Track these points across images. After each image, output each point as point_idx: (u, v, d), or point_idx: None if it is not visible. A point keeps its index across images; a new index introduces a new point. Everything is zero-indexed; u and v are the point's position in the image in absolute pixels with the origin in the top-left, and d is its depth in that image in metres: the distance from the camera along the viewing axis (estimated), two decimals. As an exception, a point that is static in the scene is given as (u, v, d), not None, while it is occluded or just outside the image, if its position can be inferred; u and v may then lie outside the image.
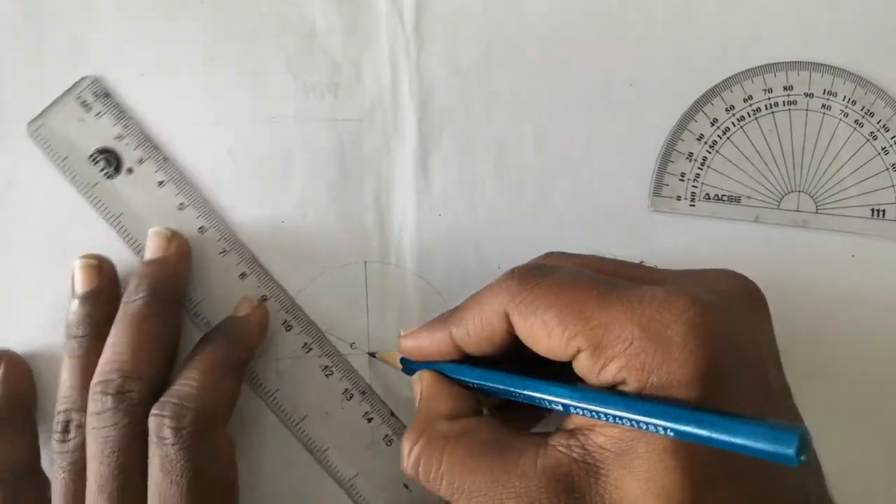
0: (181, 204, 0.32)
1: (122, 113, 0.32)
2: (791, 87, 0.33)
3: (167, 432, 0.27)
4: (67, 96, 0.32)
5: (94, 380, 0.28)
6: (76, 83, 0.32)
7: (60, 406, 0.30)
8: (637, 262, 0.28)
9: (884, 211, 0.32)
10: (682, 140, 0.33)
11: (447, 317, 0.27)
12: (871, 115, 0.33)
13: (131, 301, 0.30)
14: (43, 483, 0.31)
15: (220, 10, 0.33)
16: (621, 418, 0.21)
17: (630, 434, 0.21)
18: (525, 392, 0.24)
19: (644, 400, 0.21)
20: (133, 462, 0.28)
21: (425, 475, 0.24)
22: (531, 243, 0.33)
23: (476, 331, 0.25)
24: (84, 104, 0.32)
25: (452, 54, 0.33)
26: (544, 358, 0.24)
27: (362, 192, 0.33)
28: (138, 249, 0.32)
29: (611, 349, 0.22)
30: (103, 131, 0.32)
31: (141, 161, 0.32)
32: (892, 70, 0.33)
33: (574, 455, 0.22)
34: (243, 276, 0.32)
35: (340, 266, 0.33)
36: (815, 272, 0.33)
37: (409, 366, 0.29)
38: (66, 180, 0.32)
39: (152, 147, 0.32)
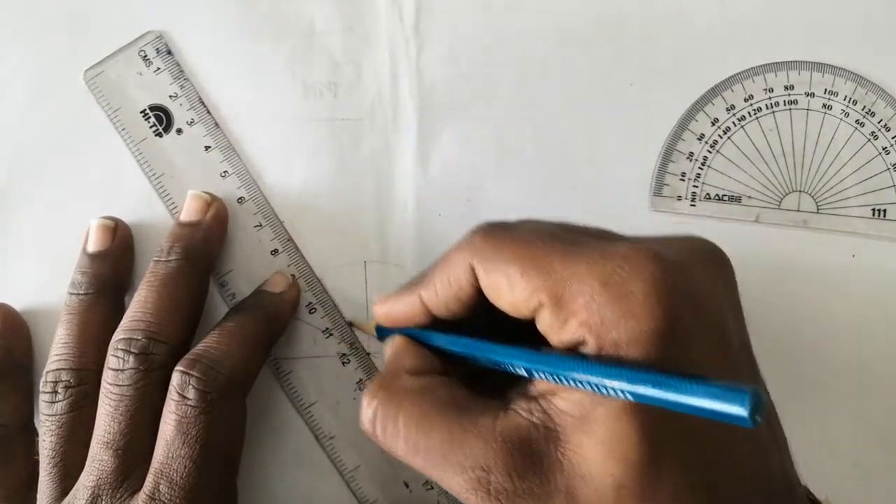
0: (224, 171, 0.32)
1: (180, 73, 0.32)
2: (792, 87, 0.33)
3: (192, 392, 0.27)
4: (130, 48, 0.32)
5: (117, 336, 0.28)
6: (141, 36, 0.32)
7: (51, 364, 0.29)
8: None
9: (885, 211, 0.32)
10: (683, 140, 0.33)
11: (417, 280, 0.26)
12: (872, 114, 0.32)
13: (163, 262, 0.30)
14: (34, 440, 0.31)
15: (219, 9, 0.33)
16: (580, 381, 0.21)
17: (590, 398, 0.21)
18: (490, 356, 0.24)
19: (602, 362, 0.21)
20: (144, 422, 0.28)
21: (382, 431, 0.24)
22: (531, 243, 0.33)
23: (444, 289, 0.25)
24: (145, 58, 0.32)
25: (452, 54, 0.33)
26: (513, 324, 0.24)
27: (362, 191, 0.33)
28: (175, 211, 0.32)
29: (572, 304, 0.21)
30: (159, 88, 0.32)
31: (191, 123, 0.32)
32: (893, 69, 0.32)
33: (534, 419, 0.22)
34: (275, 252, 0.32)
35: (340, 266, 0.33)
36: (815, 272, 0.33)
37: (383, 333, 0.29)
38: (114, 132, 0.32)
39: (205, 111, 0.32)
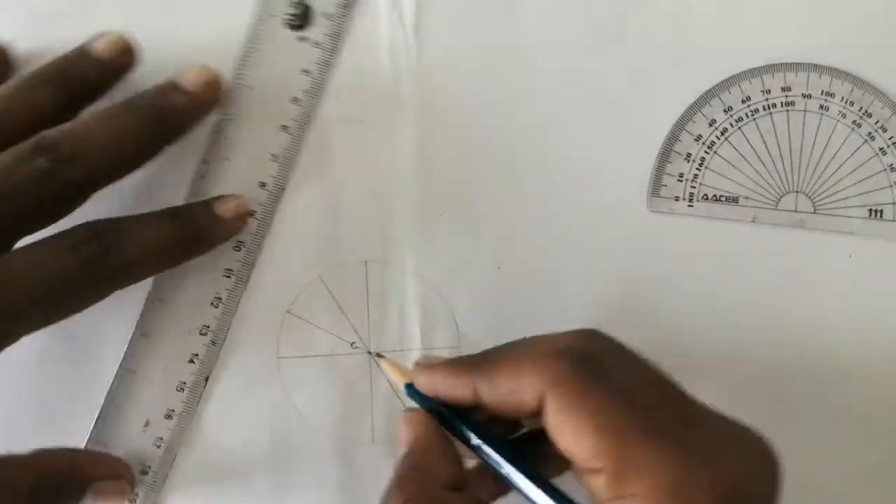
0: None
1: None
2: (789, 88, 0.33)
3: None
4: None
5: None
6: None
7: None
8: None
9: (881, 211, 0.33)
10: (681, 141, 0.33)
11: (474, 365, 0.25)
12: (869, 115, 0.33)
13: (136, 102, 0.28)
14: None
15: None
16: None
17: None
18: (532, 495, 0.24)
19: None
20: None
21: None
22: (531, 243, 0.33)
23: (503, 396, 0.24)
24: None
25: (453, 55, 0.33)
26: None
27: (363, 192, 0.33)
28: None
29: (631, 488, 0.21)
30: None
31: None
32: (889, 71, 0.33)
33: None
34: (262, 185, 0.32)
35: (341, 266, 0.33)
36: (812, 272, 0.33)
37: (414, 394, 0.27)
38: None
39: None
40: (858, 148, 0.33)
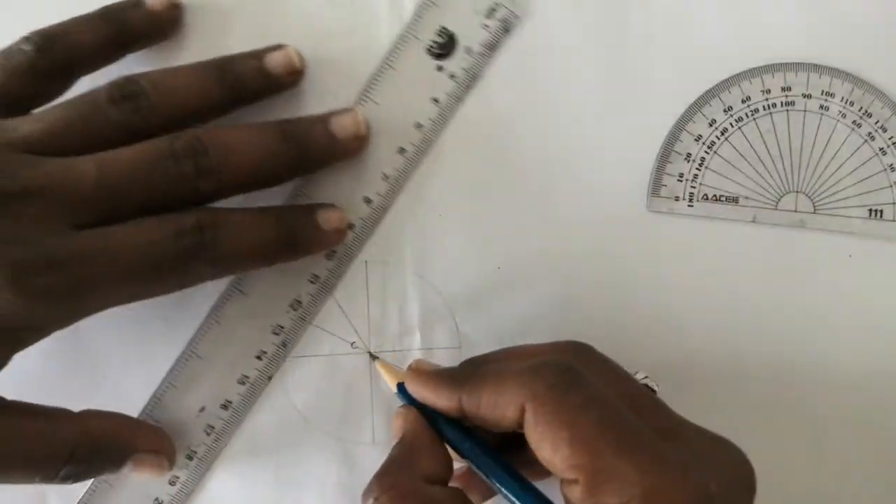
0: None
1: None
2: (789, 88, 0.33)
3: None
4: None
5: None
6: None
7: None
8: (641, 375, 0.28)
9: (881, 211, 0.33)
10: (681, 141, 0.33)
11: (463, 380, 0.26)
12: (869, 115, 0.33)
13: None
14: None
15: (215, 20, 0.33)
16: None
17: None
18: (512, 496, 0.24)
19: None
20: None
21: None
22: (531, 243, 0.33)
23: (487, 409, 0.24)
24: None
25: (453, 55, 0.33)
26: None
27: (363, 192, 0.33)
28: None
29: (605, 498, 0.22)
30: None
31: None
32: (889, 71, 0.33)
33: None
34: (367, 201, 0.32)
35: (341, 265, 0.33)
36: (812, 272, 0.33)
37: (403, 392, 0.28)
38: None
39: None
40: (858, 148, 0.33)
